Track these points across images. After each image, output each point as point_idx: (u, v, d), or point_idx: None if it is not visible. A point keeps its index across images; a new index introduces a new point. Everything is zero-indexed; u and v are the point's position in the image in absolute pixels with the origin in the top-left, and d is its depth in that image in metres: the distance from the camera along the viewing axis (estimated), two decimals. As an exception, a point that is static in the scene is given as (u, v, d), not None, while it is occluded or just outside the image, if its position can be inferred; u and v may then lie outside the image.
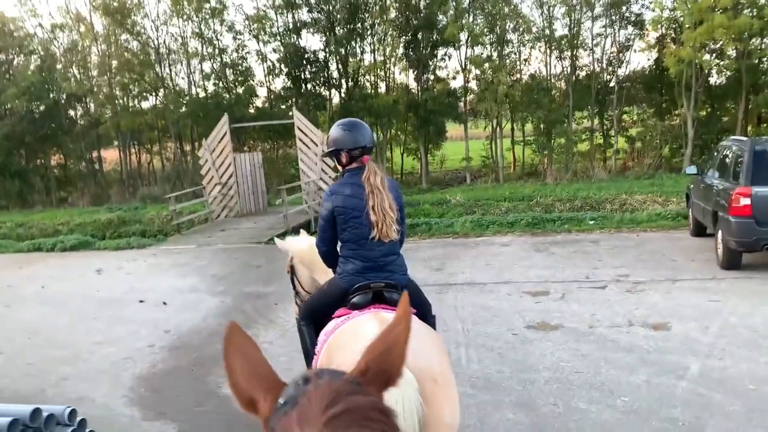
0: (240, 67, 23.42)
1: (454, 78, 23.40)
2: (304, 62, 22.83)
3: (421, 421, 2.14)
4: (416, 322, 2.48)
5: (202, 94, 24.23)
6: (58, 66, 24.06)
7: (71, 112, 25.62)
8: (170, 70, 24.17)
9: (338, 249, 3.17)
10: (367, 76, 23.23)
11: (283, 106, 24.07)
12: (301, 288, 3.85)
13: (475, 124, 24.88)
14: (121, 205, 21.71)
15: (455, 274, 8.70)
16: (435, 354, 2.38)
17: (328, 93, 24.23)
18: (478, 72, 22.00)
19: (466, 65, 22.26)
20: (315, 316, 3.20)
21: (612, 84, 22.28)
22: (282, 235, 12.14)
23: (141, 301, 8.31)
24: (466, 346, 5.83)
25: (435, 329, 3.11)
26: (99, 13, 23.18)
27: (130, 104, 24.33)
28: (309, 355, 3.17)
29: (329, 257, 3.23)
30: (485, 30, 21.06)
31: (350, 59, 22.85)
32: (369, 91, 23.28)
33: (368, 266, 2.98)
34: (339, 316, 2.85)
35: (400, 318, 0.91)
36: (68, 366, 6.16)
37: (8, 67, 23.23)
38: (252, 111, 23.79)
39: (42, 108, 24.60)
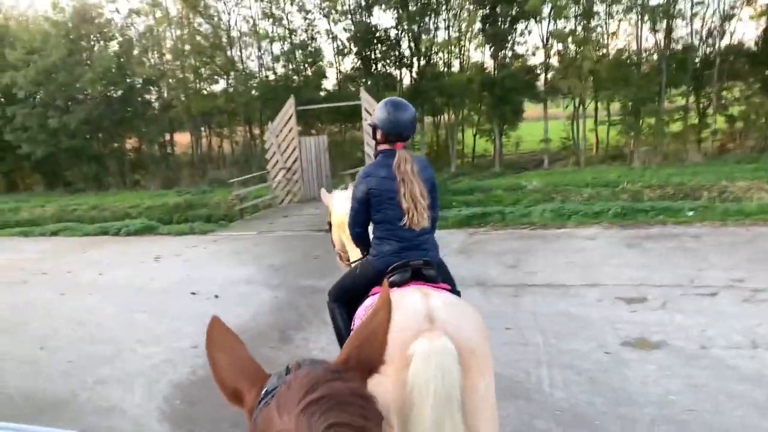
0: (309, 47, 22.87)
1: (533, 54, 21.90)
2: (375, 41, 21.97)
3: (460, 390, 2.14)
4: (457, 299, 2.64)
5: (271, 77, 23.96)
6: (135, 52, 24.42)
7: (146, 97, 26.03)
8: (241, 53, 24.04)
9: (371, 230, 3.11)
10: (440, 54, 22.12)
11: (352, 88, 23.40)
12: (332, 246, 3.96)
13: (555, 103, 23.24)
14: (189, 189, 21.84)
15: (533, 273, 7.67)
16: (474, 329, 2.39)
17: (398, 73, 23.32)
18: (560, 47, 20.40)
19: (547, 40, 20.70)
20: (347, 297, 3.17)
21: (712, 58, 20.06)
22: None
23: (193, 293, 7.85)
24: (549, 365, 4.88)
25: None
26: (174, -3, 23.32)
27: (202, 87, 24.39)
28: (342, 337, 3.18)
29: (361, 238, 3.19)
30: (570, 1, 19.39)
31: (423, 36, 21.79)
32: (441, 69, 22.16)
33: (404, 246, 2.93)
34: (377, 293, 2.75)
35: (379, 307, 0.95)
36: (107, 366, 5.71)
37: (89, 53, 23.77)
38: (321, 93, 23.28)
39: (118, 93, 25.13)
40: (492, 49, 21.70)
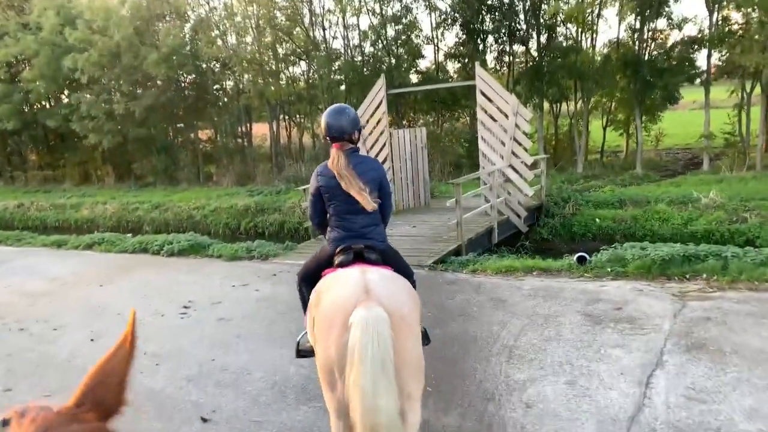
0: (404, 20, 18.98)
1: (692, 22, 16.92)
2: (484, 9, 17.80)
3: (392, 349, 2.48)
4: (391, 273, 3.11)
5: (358, 58, 20.44)
6: (214, 33, 21.61)
7: (220, 83, 23.31)
8: (323, 31, 20.67)
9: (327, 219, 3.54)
10: (567, 26, 17.62)
11: (452, 69, 19.47)
12: None
13: (724, 87, 18.11)
14: (263, 188, 18.82)
15: None
16: (405, 296, 2.86)
17: (512, 49, 18.99)
18: (737, 15, 15.37)
19: (716, 5, 15.73)
20: (309, 277, 3.50)
21: None
22: (455, 253, 7.59)
23: (204, 420, 4.32)
24: None
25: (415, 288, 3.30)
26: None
27: (279, 69, 21.25)
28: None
29: (320, 227, 3.70)
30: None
31: (545, 4, 17.37)
32: (568, 44, 17.71)
33: (350, 234, 3.38)
34: (326, 274, 3.25)
35: (117, 348, 0.87)
36: None
37: (156, 32, 21.21)
38: (414, 77, 19.48)
39: (189, 77, 22.55)
40: (638, 19, 16.88)
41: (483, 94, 10.69)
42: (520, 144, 10.43)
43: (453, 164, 18.31)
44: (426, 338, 3.63)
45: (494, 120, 10.69)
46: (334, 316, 2.66)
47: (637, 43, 17.11)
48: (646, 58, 16.80)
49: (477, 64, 11.61)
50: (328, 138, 3.50)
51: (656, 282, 6.70)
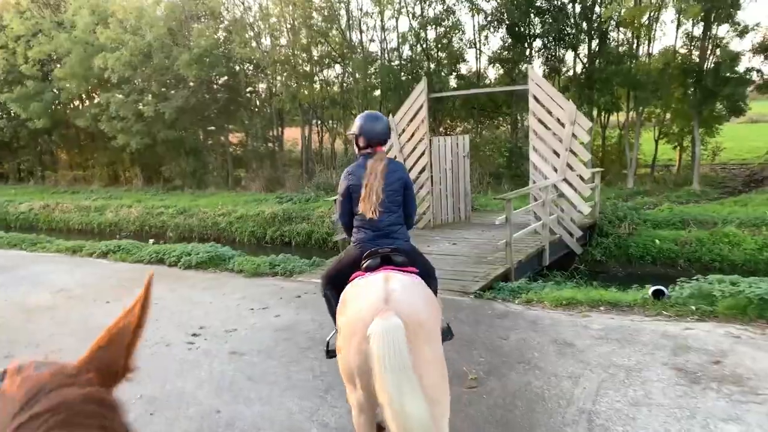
0: (446, 21, 17.95)
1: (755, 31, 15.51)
2: (533, 12, 16.67)
3: (410, 359, 2.49)
4: (412, 281, 3.07)
5: (395, 62, 19.51)
6: (248, 35, 20.96)
7: (250, 83, 22.67)
8: (360, 33, 19.83)
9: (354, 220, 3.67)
10: (622, 30, 16.36)
11: (494, 75, 18.38)
12: None
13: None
14: (292, 194, 18.02)
15: None
16: (423, 304, 2.88)
17: (560, 54, 17.81)
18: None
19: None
20: (336, 282, 3.53)
21: None
22: (503, 277, 6.67)
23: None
24: None
25: (437, 291, 3.54)
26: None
27: (313, 72, 20.47)
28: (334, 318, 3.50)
29: (347, 227, 3.80)
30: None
31: (599, 6, 16.16)
32: (624, 50, 16.46)
33: (377, 234, 3.50)
34: (354, 278, 3.26)
35: (130, 309, 0.84)
36: None
37: (188, 32, 20.64)
38: (453, 82, 18.46)
39: (221, 79, 21.94)
40: (700, 25, 15.52)
41: (536, 99, 9.61)
42: (576, 155, 9.31)
43: (492, 174, 17.22)
44: (449, 333, 3.84)
45: (548, 128, 9.59)
46: (355, 326, 2.74)
47: (698, 50, 15.77)
48: (707, 66, 15.46)
49: (530, 66, 10.59)
50: (359, 142, 3.65)
51: (755, 327, 5.54)
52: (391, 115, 11.44)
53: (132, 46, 19.13)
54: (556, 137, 9.49)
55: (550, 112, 9.51)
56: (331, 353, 3.70)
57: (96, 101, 23.01)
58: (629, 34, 16.56)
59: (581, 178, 9.31)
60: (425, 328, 2.72)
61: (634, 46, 16.58)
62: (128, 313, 0.83)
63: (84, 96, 24.61)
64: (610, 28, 16.31)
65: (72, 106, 25.22)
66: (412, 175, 11.10)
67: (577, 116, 9.23)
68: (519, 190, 9.08)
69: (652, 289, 6.38)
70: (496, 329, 5.84)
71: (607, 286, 7.59)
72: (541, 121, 9.58)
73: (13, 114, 25.67)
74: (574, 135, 9.26)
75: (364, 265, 3.32)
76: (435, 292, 3.40)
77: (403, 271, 3.18)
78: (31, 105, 23.18)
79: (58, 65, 22.85)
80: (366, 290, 2.95)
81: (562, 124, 9.36)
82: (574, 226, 9.70)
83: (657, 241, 10.92)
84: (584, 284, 8.48)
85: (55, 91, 23.61)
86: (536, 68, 16.80)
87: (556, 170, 9.51)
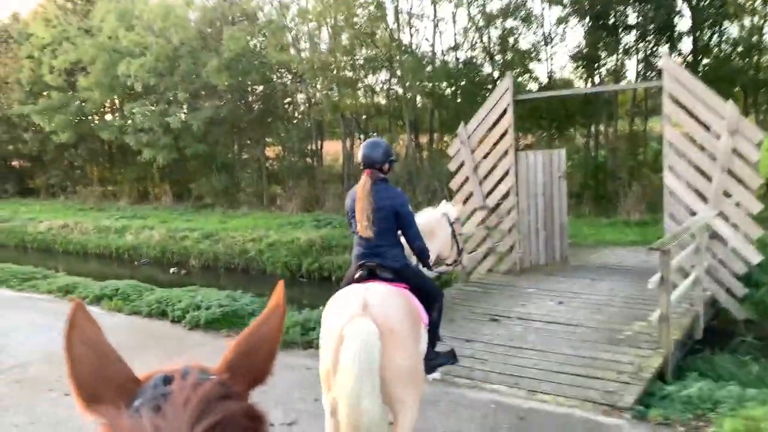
0: (516, 14, 15.22)
1: None
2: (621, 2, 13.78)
3: (379, 363, 2.77)
4: (392, 290, 3.24)
5: (451, 65, 16.95)
6: (289, 38, 18.74)
7: (291, 95, 20.44)
8: (410, 32, 17.38)
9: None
10: (735, 21, 13.35)
11: (573, 74, 15.59)
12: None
13: None
14: (331, 216, 15.66)
15: None
16: (397, 312, 3.03)
17: (656, 50, 14.73)
18: None
19: None
20: None
21: None
22: (661, 379, 3.89)
23: None
24: None
25: (441, 316, 3.74)
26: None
27: (358, 78, 18.08)
28: None
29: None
30: None
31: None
32: (738, 48, 13.44)
33: (365, 252, 3.68)
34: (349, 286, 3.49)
35: (270, 313, 0.84)
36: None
37: (219, 36, 18.56)
38: (528, 85, 15.75)
39: (257, 88, 19.77)
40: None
41: (674, 100, 6.85)
42: (740, 181, 6.50)
43: (572, 195, 14.45)
44: (453, 357, 3.99)
45: (692, 140, 6.82)
46: (332, 329, 2.92)
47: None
48: None
49: (666, 54, 7.81)
50: (361, 166, 3.81)
51: None
52: (462, 124, 8.81)
53: (157, 50, 17.10)
54: (705, 153, 6.71)
55: (696, 118, 6.73)
56: None
57: (122, 112, 21.16)
58: (753, 21, 13.34)
59: (750, 214, 6.48)
60: (397, 335, 2.92)
61: (751, 41, 13.44)
62: (264, 321, 0.80)
63: (108, 106, 22.86)
64: (721, 18, 13.28)
65: (97, 117, 23.52)
66: (491, 201, 8.44)
67: (740, 125, 6.44)
68: (677, 231, 6.25)
69: None
70: None
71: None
72: (685, 133, 6.80)
73: (38, 127, 24.13)
74: (735, 151, 6.46)
75: (356, 276, 3.61)
76: (440, 312, 3.71)
77: (390, 285, 3.35)
78: (55, 117, 21.52)
79: (83, 74, 21.12)
80: (346, 298, 3.16)
81: (717, 136, 6.57)
82: (734, 281, 6.83)
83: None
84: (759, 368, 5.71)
85: (80, 102, 21.89)
86: (630, 67, 13.98)
87: (704, 199, 6.71)
